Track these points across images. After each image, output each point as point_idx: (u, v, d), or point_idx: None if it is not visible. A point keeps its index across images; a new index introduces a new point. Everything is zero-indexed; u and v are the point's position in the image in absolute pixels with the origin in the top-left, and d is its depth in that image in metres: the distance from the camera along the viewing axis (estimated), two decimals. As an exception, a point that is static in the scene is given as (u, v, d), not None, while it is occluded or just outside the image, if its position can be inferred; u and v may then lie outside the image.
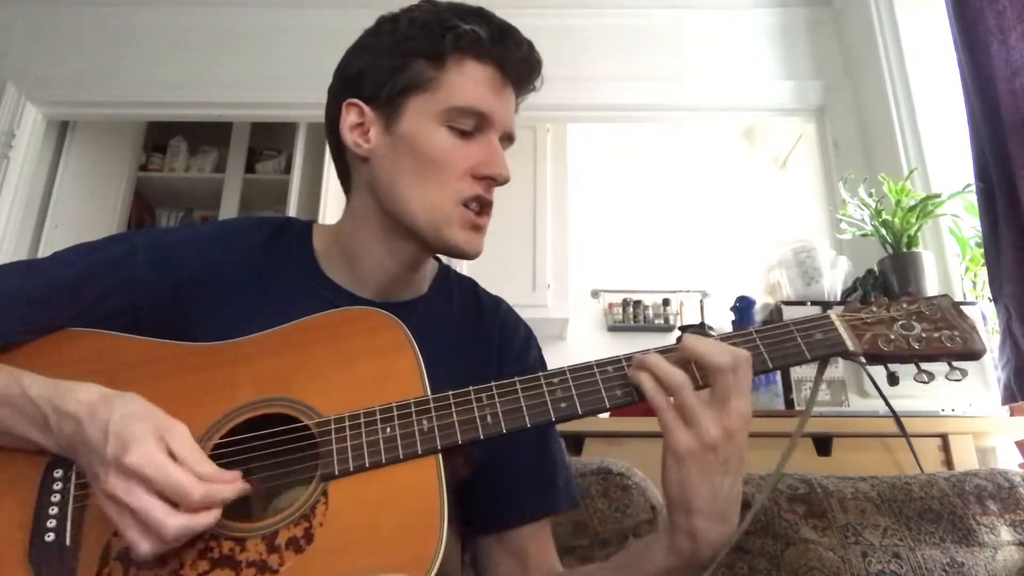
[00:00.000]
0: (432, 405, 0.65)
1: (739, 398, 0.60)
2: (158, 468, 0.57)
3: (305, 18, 2.57)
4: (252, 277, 0.80)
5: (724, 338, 0.67)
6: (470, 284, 0.94)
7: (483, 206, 0.79)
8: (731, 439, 0.60)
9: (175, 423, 0.61)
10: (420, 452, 0.62)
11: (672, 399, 0.61)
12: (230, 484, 0.59)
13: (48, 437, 0.63)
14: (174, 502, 0.57)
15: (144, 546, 0.56)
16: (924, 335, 0.69)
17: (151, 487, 0.56)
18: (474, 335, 0.87)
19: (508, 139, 0.82)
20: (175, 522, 0.56)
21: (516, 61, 0.79)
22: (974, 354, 0.68)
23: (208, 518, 0.58)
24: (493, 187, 0.79)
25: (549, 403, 0.65)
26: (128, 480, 0.57)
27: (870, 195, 1.83)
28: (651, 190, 3.51)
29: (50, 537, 0.61)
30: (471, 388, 0.66)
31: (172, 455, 0.58)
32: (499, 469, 0.81)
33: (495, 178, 0.78)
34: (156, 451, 0.57)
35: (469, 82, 0.77)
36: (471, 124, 0.77)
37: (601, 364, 0.67)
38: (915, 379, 0.69)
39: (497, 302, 0.93)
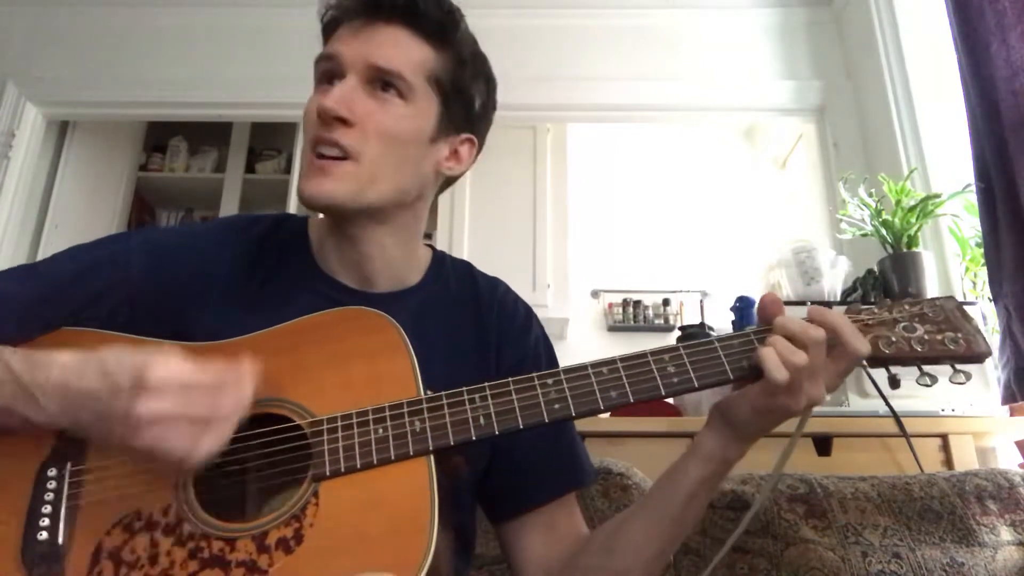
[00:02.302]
0: (425, 406, 0.65)
1: (837, 377, 0.66)
2: (183, 370, 0.58)
3: (305, 18, 2.53)
4: (248, 274, 0.80)
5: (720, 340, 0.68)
6: (466, 268, 0.93)
7: (317, 143, 0.74)
8: (808, 408, 0.65)
9: (158, 350, 0.61)
10: (412, 453, 0.62)
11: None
12: (243, 365, 0.62)
13: (33, 406, 0.61)
14: (213, 392, 0.59)
15: (208, 442, 0.58)
16: (927, 337, 0.67)
17: (187, 389, 0.58)
18: (472, 319, 0.87)
19: (380, 72, 0.76)
20: (226, 403, 0.59)
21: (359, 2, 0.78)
22: (978, 357, 0.67)
23: (248, 391, 0.61)
24: (331, 125, 0.74)
25: (543, 404, 0.65)
26: (161, 395, 0.57)
27: (870, 195, 1.83)
28: (651, 190, 3.51)
29: (43, 536, 0.61)
30: (464, 389, 0.66)
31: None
32: (520, 452, 0.81)
33: (317, 111, 0.74)
34: (172, 359, 0.59)
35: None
36: (321, 74, 0.78)
37: (596, 365, 0.67)
38: (917, 382, 0.68)
39: (494, 284, 0.92)
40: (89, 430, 0.61)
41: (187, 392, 0.58)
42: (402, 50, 0.77)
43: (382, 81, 0.76)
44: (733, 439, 0.69)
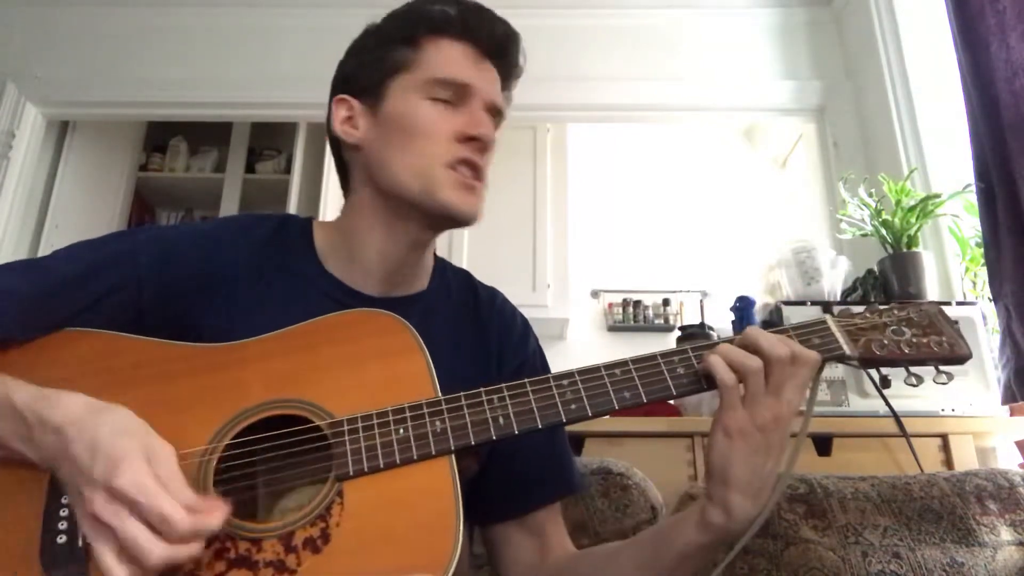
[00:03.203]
0: (444, 407, 0.66)
1: (793, 390, 0.65)
2: (148, 495, 0.54)
3: (305, 18, 2.57)
4: (254, 274, 0.80)
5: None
6: (465, 276, 0.95)
7: (473, 168, 0.80)
8: (779, 425, 0.64)
9: (162, 445, 0.59)
10: (434, 452, 0.63)
11: (740, 382, 0.65)
12: (214, 514, 0.57)
13: (31, 448, 0.60)
14: (158, 530, 0.54)
15: (120, 573, 0.54)
16: (914, 340, 0.72)
17: (138, 513, 0.54)
18: (474, 328, 0.88)
19: (495, 113, 0.84)
20: (160, 552, 0.54)
21: (490, 35, 0.83)
22: (960, 358, 0.71)
23: (193, 550, 0.56)
24: (481, 151, 0.80)
25: (559, 404, 0.66)
26: (115, 503, 0.54)
27: (870, 195, 1.83)
28: (651, 190, 3.51)
29: (61, 539, 0.61)
30: (482, 389, 0.67)
31: (158, 481, 0.56)
32: (512, 456, 0.82)
33: (480, 138, 0.79)
34: (145, 475, 0.55)
35: (445, 57, 0.81)
36: (451, 95, 0.80)
37: (609, 367, 0.68)
38: (905, 382, 0.72)
39: (493, 294, 0.94)
40: (65, 486, 0.60)
41: (136, 514, 0.54)
42: (500, 94, 0.86)
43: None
44: (730, 492, 0.65)
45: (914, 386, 0.72)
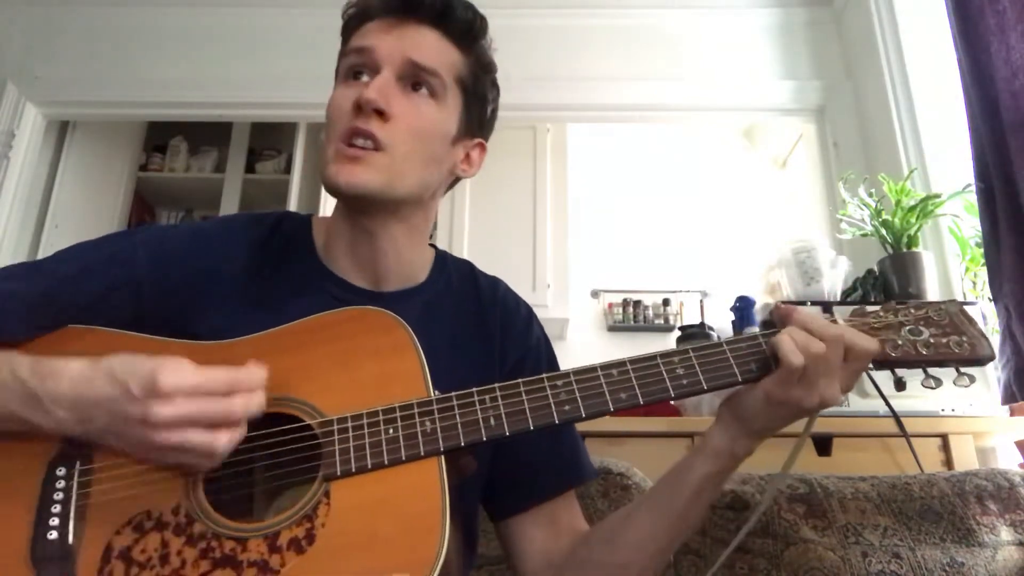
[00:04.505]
0: (435, 407, 0.65)
1: (849, 379, 0.66)
2: (194, 375, 0.60)
3: (305, 18, 2.57)
4: (253, 272, 0.80)
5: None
6: (467, 267, 0.94)
7: (352, 134, 0.74)
8: (823, 407, 0.66)
9: (166, 356, 0.62)
10: (423, 453, 0.62)
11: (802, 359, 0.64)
12: (254, 368, 0.63)
13: (42, 413, 0.62)
14: (225, 394, 0.61)
15: (222, 440, 0.60)
16: (932, 340, 0.68)
17: (199, 393, 0.60)
18: (475, 319, 0.87)
19: (418, 69, 0.77)
20: (239, 403, 0.61)
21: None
22: (981, 360, 0.68)
23: (261, 394, 0.62)
24: (369, 116, 0.74)
25: (553, 406, 0.65)
26: (173, 400, 0.59)
27: (870, 195, 1.83)
28: (651, 190, 3.51)
29: (52, 535, 0.61)
30: (474, 390, 0.66)
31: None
32: (523, 449, 0.81)
33: (358, 101, 0.74)
34: (182, 365, 0.60)
35: (356, 36, 0.80)
36: (357, 63, 0.78)
37: (606, 367, 0.67)
38: (922, 384, 0.70)
39: (494, 283, 0.93)
40: (103, 434, 0.62)
41: (199, 396, 0.60)
42: (436, 50, 0.79)
43: (414, 79, 0.78)
44: (742, 434, 0.69)
45: (932, 389, 0.69)
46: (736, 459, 0.69)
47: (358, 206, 0.79)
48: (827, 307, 1.64)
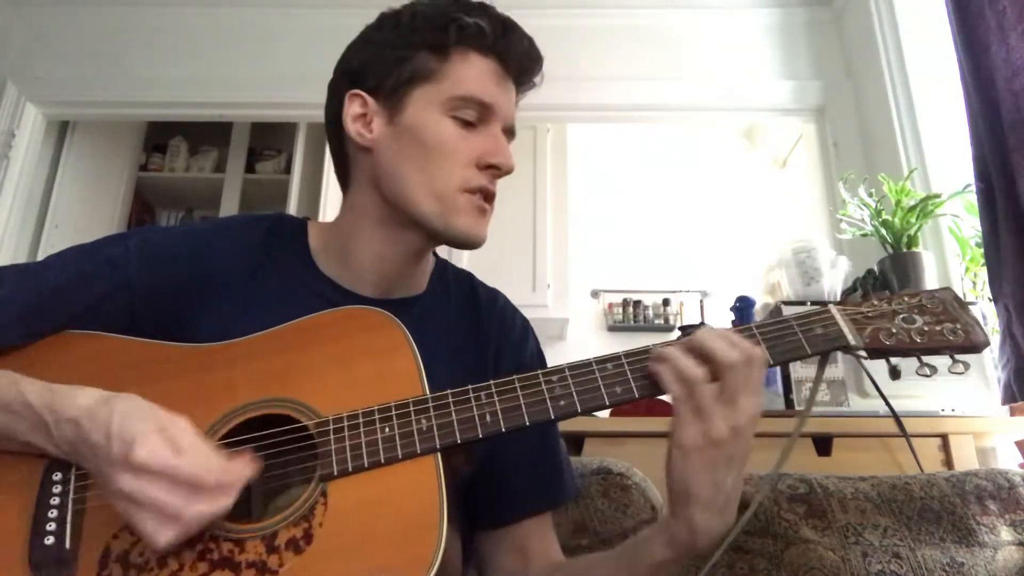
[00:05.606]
0: (431, 404, 0.65)
1: (749, 396, 0.60)
2: (166, 460, 0.57)
3: (305, 18, 2.57)
4: (248, 275, 0.79)
5: None
6: (467, 278, 0.94)
7: (487, 196, 0.79)
8: (738, 437, 0.59)
9: (176, 417, 0.61)
10: (419, 452, 0.62)
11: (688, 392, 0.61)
12: (242, 466, 0.59)
13: (49, 441, 0.62)
14: (188, 492, 0.57)
15: (165, 536, 0.56)
16: (926, 328, 0.68)
17: (163, 480, 0.56)
18: (472, 330, 0.87)
19: (509, 133, 0.83)
20: (195, 508, 0.56)
21: (518, 55, 0.81)
22: (976, 346, 0.67)
23: (226, 501, 0.58)
24: (497, 177, 0.79)
25: (548, 401, 0.65)
26: (139, 477, 0.56)
27: (870, 195, 1.83)
28: (651, 190, 3.51)
29: (49, 540, 0.61)
30: (469, 387, 0.66)
31: (177, 448, 0.58)
32: (501, 465, 0.81)
33: (499, 167, 0.78)
34: (161, 445, 0.57)
35: (473, 73, 0.78)
36: (474, 115, 0.78)
37: (600, 361, 0.66)
38: (917, 372, 0.69)
39: (494, 295, 0.93)
40: (93, 472, 0.62)
41: (163, 480, 0.57)
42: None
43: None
44: (692, 506, 0.60)
45: (927, 376, 0.68)
46: (695, 548, 0.62)
47: (449, 245, 0.82)
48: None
